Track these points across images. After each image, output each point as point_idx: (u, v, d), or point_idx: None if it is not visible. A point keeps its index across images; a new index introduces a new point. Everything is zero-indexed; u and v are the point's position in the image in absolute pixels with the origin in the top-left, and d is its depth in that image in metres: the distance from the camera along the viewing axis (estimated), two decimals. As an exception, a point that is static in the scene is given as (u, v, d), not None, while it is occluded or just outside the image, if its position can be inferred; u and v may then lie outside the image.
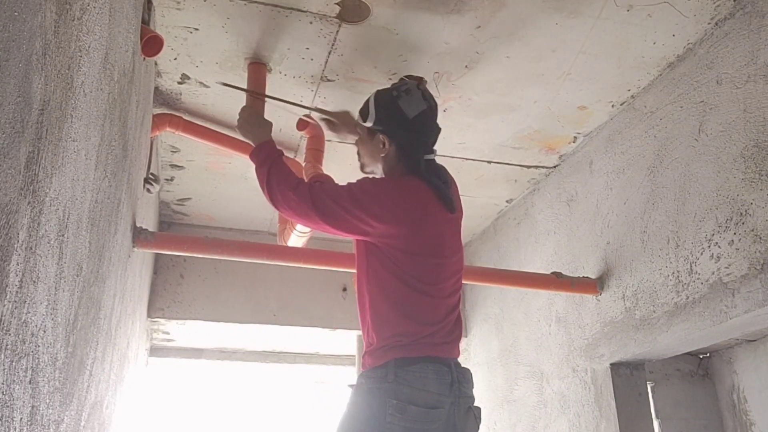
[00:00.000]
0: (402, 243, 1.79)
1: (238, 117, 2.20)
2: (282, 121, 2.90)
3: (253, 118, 2.18)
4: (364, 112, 1.95)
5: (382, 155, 1.90)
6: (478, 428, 1.81)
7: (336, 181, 2.53)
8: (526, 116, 2.87)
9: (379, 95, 1.95)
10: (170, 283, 3.80)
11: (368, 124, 1.92)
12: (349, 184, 1.87)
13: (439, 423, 1.69)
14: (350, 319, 3.73)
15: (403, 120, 1.86)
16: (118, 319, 2.11)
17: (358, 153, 2.04)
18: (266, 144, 2.04)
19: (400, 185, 1.86)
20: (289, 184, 1.86)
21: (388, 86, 2.00)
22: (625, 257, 2.69)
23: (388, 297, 1.78)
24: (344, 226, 1.81)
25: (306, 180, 2.60)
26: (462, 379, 1.77)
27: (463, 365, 1.83)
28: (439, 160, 2.06)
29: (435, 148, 1.95)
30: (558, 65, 2.53)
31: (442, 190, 1.86)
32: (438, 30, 2.34)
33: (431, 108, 1.91)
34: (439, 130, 1.96)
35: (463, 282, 2.76)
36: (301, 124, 2.74)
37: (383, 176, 1.94)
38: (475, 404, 1.81)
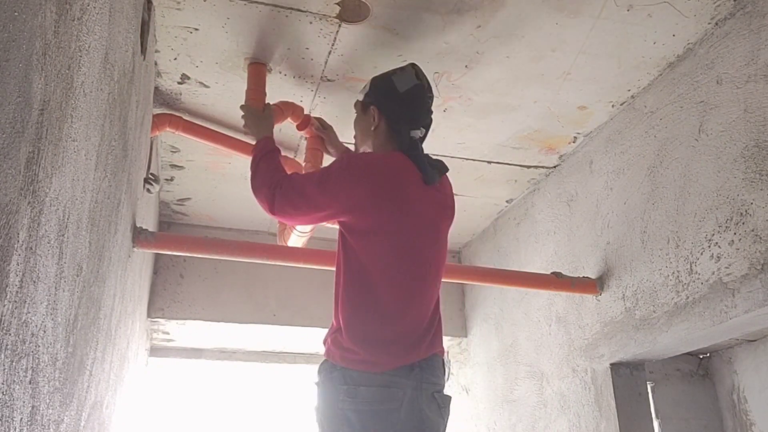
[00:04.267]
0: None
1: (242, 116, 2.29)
2: (282, 121, 2.90)
3: (252, 114, 2.29)
4: (361, 89, 2.04)
5: (373, 129, 1.95)
6: (443, 416, 1.73)
7: None
8: (526, 116, 2.87)
9: (378, 75, 2.04)
10: (170, 283, 3.79)
11: (360, 97, 2.01)
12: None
13: (396, 403, 1.62)
14: (350, 319, 3.72)
15: (394, 93, 1.92)
16: (118, 319, 2.11)
17: (355, 137, 2.12)
18: (263, 140, 2.15)
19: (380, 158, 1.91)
20: (270, 180, 1.96)
21: None
22: (625, 257, 2.69)
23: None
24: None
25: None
26: (425, 365, 1.71)
27: (443, 358, 1.80)
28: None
29: (423, 129, 1.96)
30: (558, 65, 2.53)
31: (422, 161, 1.87)
32: (438, 30, 2.33)
33: (422, 86, 1.96)
34: (430, 111, 1.99)
35: (464, 282, 2.76)
36: (302, 124, 2.74)
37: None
38: (444, 393, 1.75)
